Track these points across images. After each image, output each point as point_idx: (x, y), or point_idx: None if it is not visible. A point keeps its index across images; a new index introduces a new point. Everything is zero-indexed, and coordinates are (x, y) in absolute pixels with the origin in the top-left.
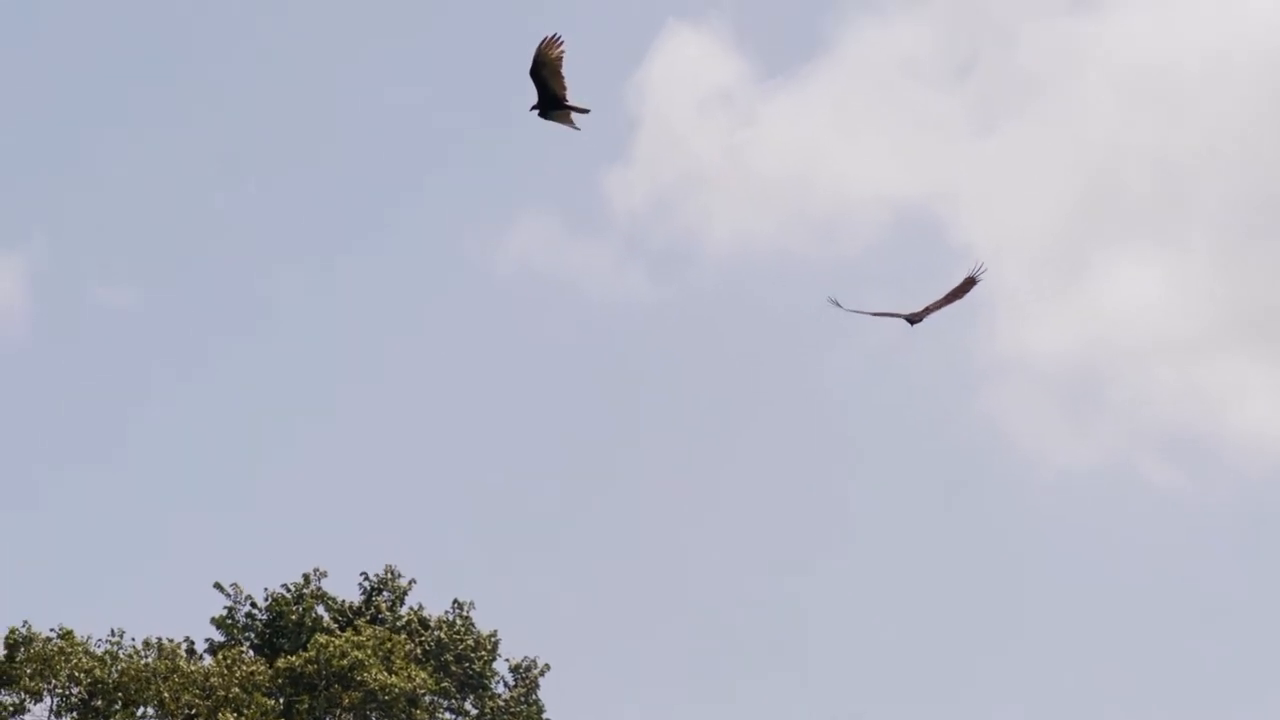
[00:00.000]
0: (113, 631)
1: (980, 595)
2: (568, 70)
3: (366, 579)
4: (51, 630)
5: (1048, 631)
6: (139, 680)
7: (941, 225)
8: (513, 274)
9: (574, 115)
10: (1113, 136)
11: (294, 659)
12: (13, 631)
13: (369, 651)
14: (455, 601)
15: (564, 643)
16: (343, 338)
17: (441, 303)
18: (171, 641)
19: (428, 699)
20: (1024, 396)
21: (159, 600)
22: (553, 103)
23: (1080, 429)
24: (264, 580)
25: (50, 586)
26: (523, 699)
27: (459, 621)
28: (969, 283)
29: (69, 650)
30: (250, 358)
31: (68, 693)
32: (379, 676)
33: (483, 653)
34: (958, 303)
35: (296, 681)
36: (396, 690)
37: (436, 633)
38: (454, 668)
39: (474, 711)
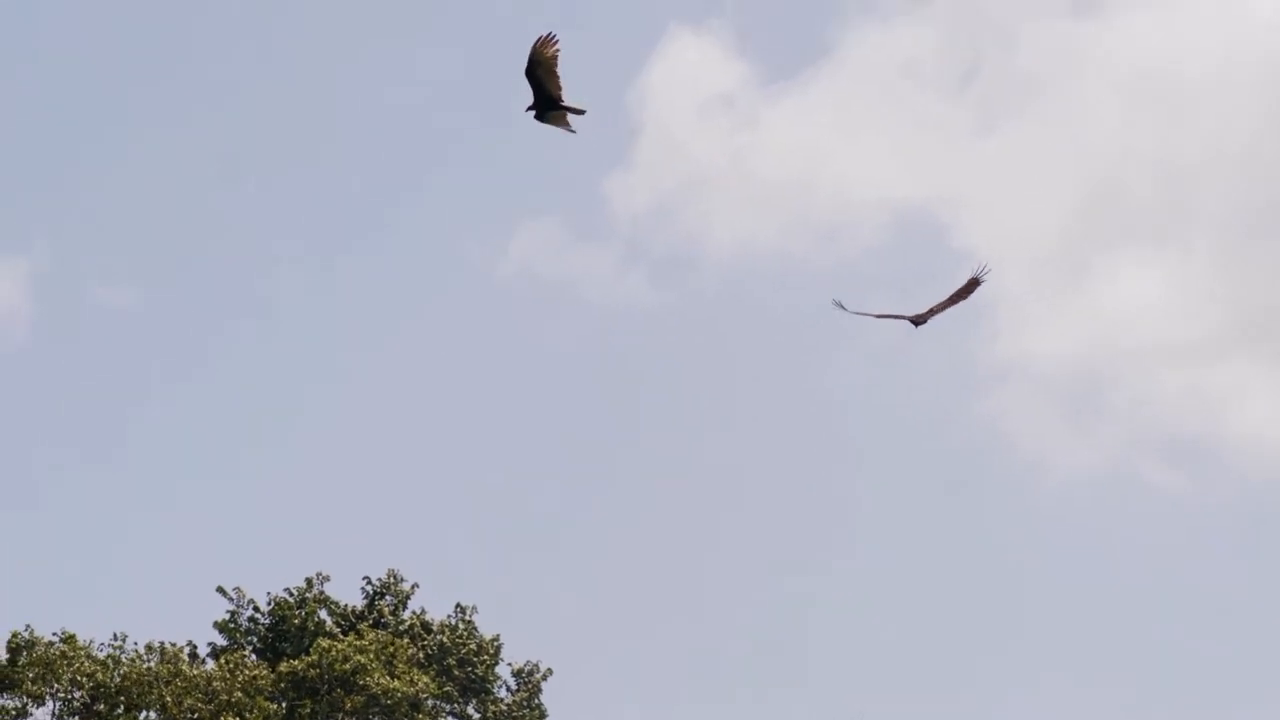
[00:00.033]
0: (115, 635)
1: (981, 597)
2: (566, 71)
3: (369, 583)
4: (54, 634)
5: (1049, 634)
6: (141, 684)
7: (943, 228)
8: (514, 278)
9: (570, 117)
10: (1114, 139)
11: (296, 663)
12: (15, 635)
13: (371, 656)
14: (458, 605)
15: (567, 647)
16: (345, 340)
17: (443, 306)
18: (174, 645)
19: (430, 703)
20: (1025, 399)
21: (161, 604)
22: (548, 103)
23: (1082, 431)
24: (266, 584)
25: (52, 590)
26: (525, 703)
27: (461, 626)
28: (973, 283)
29: (71, 654)
30: (252, 360)
31: (70, 697)
32: (381, 681)
33: (485, 657)
34: (961, 304)
35: (299, 686)
36: (399, 695)
37: (439, 637)
38: (456, 672)
39: (476, 716)
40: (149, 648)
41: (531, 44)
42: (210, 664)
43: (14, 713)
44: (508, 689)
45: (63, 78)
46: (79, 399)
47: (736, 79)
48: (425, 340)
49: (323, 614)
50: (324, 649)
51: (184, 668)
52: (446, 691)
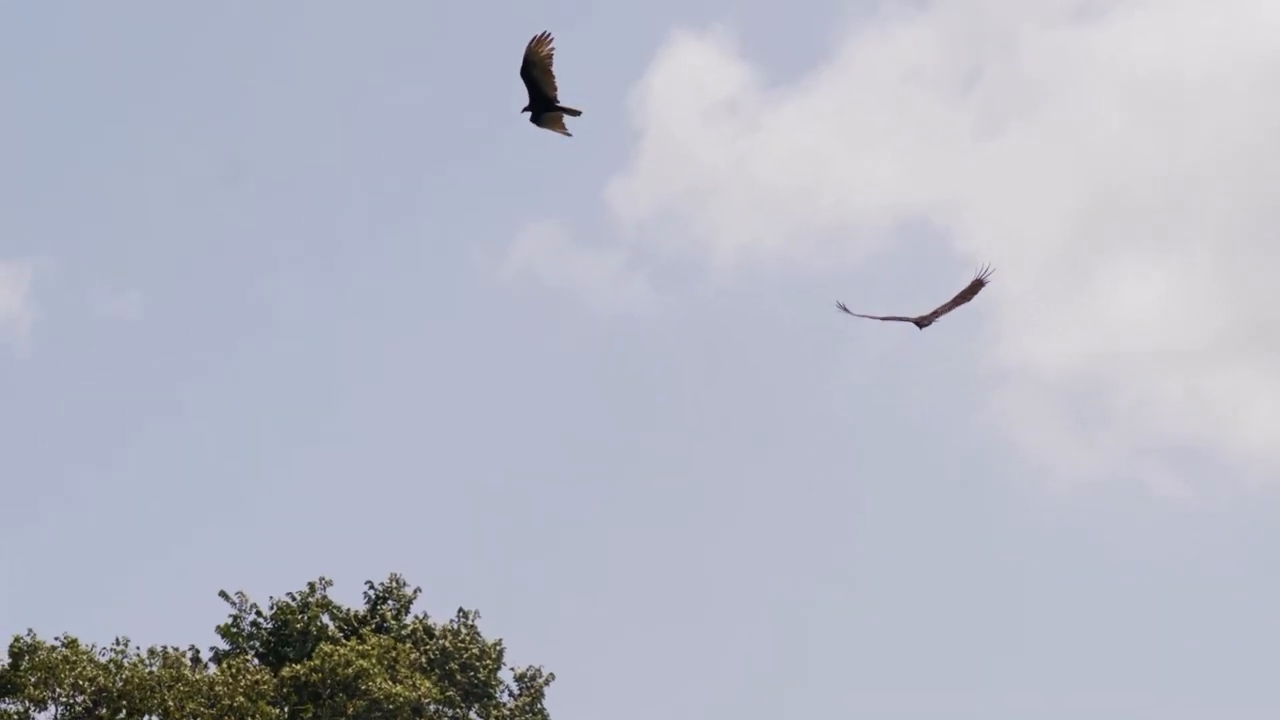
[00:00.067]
0: (117, 640)
1: (983, 603)
2: (569, 75)
3: (371, 587)
4: (56, 638)
5: (1051, 640)
6: (143, 689)
7: (946, 234)
8: (517, 284)
9: (566, 120)
10: (1116, 144)
11: (299, 668)
12: (17, 640)
13: (374, 660)
14: (460, 610)
15: (569, 652)
16: (347, 346)
17: (446, 311)
18: (176, 650)
19: (432, 708)
20: (1028, 405)
21: (164, 608)
22: (544, 104)
23: (1085, 438)
24: (269, 589)
25: (55, 594)
26: (527, 708)
27: (464, 630)
28: (977, 284)
29: (73, 659)
30: (255, 366)
31: (72, 701)
32: (384, 685)
33: (487, 662)
34: (965, 307)
35: (301, 690)
36: (401, 699)
37: (441, 641)
38: (459, 677)
39: None
40: (151, 652)
41: (526, 44)
42: (212, 668)
43: (16, 717)
44: (510, 694)
45: (65, 84)
46: (81, 404)
47: (739, 84)
48: (428, 345)
49: (325, 618)
50: (326, 653)
51: (186, 672)
52: (449, 696)
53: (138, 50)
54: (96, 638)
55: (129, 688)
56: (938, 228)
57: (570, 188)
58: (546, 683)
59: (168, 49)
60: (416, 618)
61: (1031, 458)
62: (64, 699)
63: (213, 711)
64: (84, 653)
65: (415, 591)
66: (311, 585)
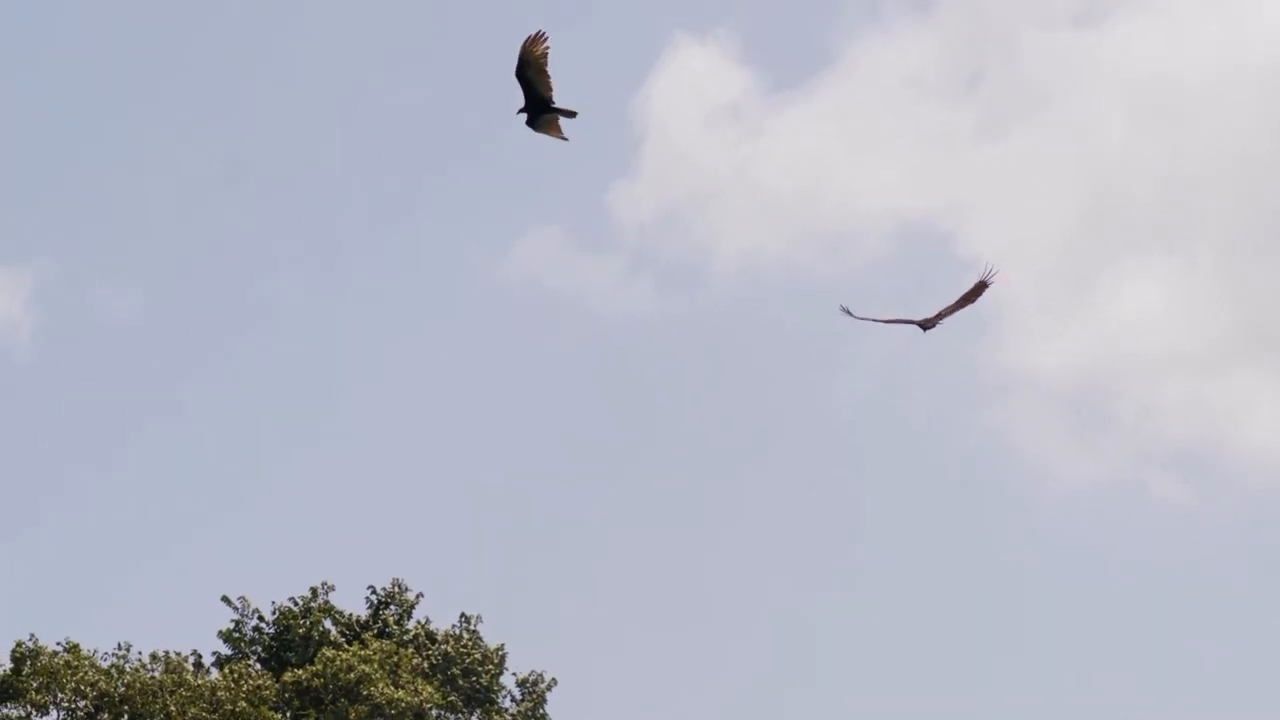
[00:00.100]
0: (119, 645)
1: (986, 608)
2: (570, 78)
3: (374, 592)
4: (58, 643)
5: (1055, 644)
6: (145, 694)
7: (949, 238)
8: (518, 288)
9: (563, 124)
10: (1118, 148)
11: (301, 673)
12: (19, 645)
13: (376, 665)
14: (462, 615)
15: (571, 658)
16: (347, 346)
17: (447, 315)
18: (178, 655)
19: (434, 713)
20: (1030, 410)
21: (165, 613)
22: (539, 104)
23: (1086, 442)
24: (271, 593)
25: (56, 599)
26: (530, 713)
27: (466, 635)
28: (981, 286)
29: (75, 664)
30: (255, 366)
31: (74, 706)
32: (386, 690)
33: (490, 667)
34: (967, 310)
35: (303, 695)
36: (403, 704)
37: (443, 646)
38: (461, 682)
39: None
40: (153, 657)
41: (520, 43)
42: (215, 673)
43: None
44: (512, 699)
45: (65, 84)
46: (81, 406)
47: (742, 88)
48: (429, 348)
49: (327, 623)
50: (328, 658)
51: (188, 677)
52: (451, 701)
53: (138, 50)
54: (98, 642)
55: (131, 693)
56: (940, 232)
57: (572, 192)
58: (549, 688)
59: (168, 49)
60: (419, 623)
61: (1033, 461)
62: (66, 704)
63: (215, 716)
64: (86, 658)
65: (417, 596)
66: (314, 590)
